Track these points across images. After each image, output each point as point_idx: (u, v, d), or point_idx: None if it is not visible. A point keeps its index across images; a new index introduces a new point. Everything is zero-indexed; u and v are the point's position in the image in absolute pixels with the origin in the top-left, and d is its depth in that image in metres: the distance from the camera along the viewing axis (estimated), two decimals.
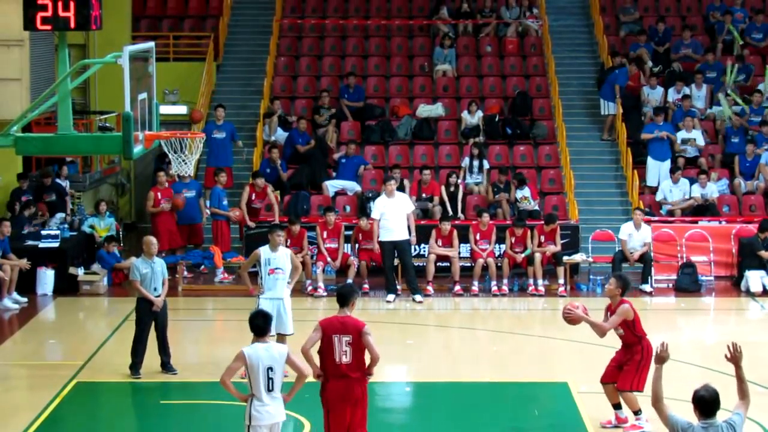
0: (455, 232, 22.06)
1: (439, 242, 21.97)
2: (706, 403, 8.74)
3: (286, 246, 21.64)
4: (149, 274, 15.96)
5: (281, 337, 15.81)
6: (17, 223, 22.28)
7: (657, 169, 24.97)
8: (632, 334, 13.58)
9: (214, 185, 23.60)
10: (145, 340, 16.11)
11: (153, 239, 16.31)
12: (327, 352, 11.29)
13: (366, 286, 21.68)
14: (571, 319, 13.56)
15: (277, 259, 15.62)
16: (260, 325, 11.03)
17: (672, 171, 24.41)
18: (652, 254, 22.32)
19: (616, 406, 13.66)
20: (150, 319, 16.10)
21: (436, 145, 26.68)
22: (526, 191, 23.93)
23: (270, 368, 10.86)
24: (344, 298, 11.49)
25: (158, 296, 16.07)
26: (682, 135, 25.27)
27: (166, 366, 16.16)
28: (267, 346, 10.96)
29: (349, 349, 11.29)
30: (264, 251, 15.67)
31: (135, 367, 16.00)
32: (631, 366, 13.48)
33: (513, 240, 21.95)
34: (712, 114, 26.55)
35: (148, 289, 16.03)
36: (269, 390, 10.90)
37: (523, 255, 21.82)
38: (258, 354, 10.86)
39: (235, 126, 25.70)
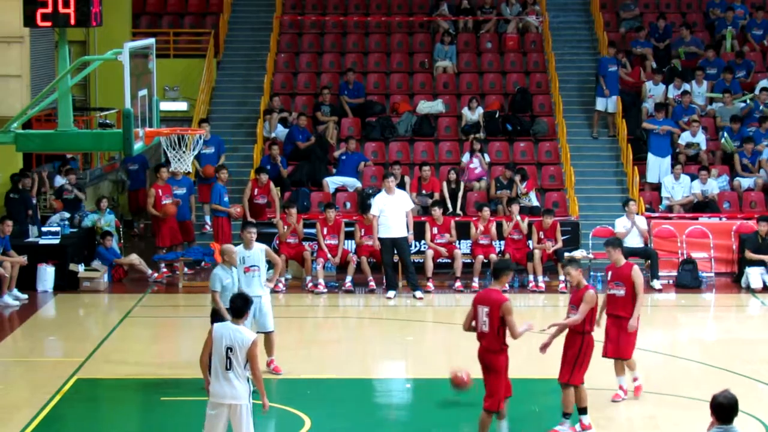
0: (452, 222, 22.12)
1: (435, 230, 22.00)
2: (724, 409, 8.64)
3: (285, 230, 21.83)
4: (231, 285, 15.00)
5: (266, 336, 15.73)
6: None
7: (657, 166, 24.98)
8: (582, 323, 13.43)
9: (216, 182, 23.56)
10: None
11: (233, 248, 15.29)
12: (476, 320, 12.47)
13: (372, 283, 21.65)
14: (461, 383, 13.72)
15: (252, 256, 15.57)
16: (238, 306, 11.22)
17: (673, 166, 24.45)
18: (653, 247, 22.40)
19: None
20: None
21: (437, 142, 26.68)
22: (522, 186, 24.00)
23: (230, 348, 11.00)
24: (496, 272, 12.65)
25: None
26: (686, 138, 25.24)
27: None
28: (236, 328, 11.09)
29: (488, 320, 12.33)
30: (239, 250, 15.56)
31: None
32: (569, 358, 13.39)
33: (511, 225, 22.03)
34: (713, 110, 26.55)
35: (226, 299, 15.27)
36: (227, 368, 11.00)
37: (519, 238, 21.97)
38: (222, 332, 11.07)
39: (223, 140, 25.44)
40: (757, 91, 26.33)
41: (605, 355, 14.54)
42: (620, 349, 14.43)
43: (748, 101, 26.18)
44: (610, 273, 14.61)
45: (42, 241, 22.03)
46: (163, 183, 23.15)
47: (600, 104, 26.83)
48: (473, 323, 12.60)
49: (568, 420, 13.39)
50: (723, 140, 25.31)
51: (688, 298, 21.69)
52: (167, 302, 21.41)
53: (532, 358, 17.32)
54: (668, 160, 24.93)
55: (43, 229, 22.26)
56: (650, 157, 25.10)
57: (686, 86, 26.65)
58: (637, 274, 14.38)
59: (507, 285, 12.67)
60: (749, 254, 22.03)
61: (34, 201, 23.01)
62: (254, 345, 11.07)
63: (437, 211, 22.11)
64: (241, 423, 11.09)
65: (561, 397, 13.57)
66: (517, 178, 24.07)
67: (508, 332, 12.49)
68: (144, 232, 26.10)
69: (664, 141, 25.17)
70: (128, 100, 13.92)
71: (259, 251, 15.64)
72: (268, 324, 15.60)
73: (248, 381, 11.14)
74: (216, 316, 14.39)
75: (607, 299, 14.54)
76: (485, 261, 21.90)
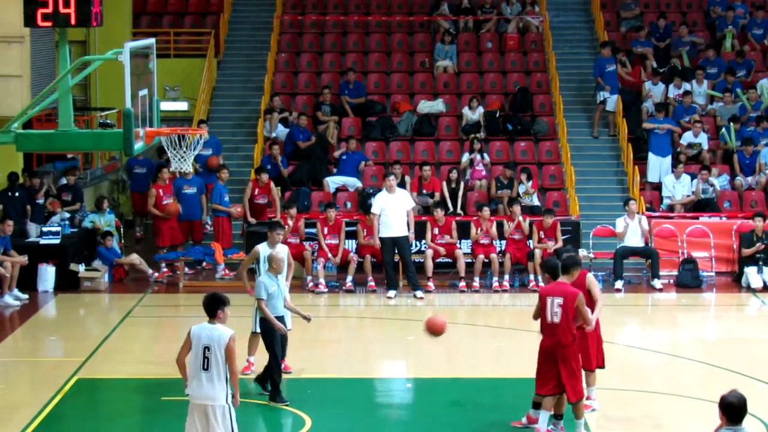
0: (453, 223, 22.13)
1: (436, 230, 22.01)
2: (734, 409, 8.59)
3: (286, 233, 21.82)
4: (276, 292, 14.73)
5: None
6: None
7: (658, 165, 24.99)
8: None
9: (217, 182, 23.54)
10: (280, 363, 14.90)
11: (281, 255, 15.03)
12: (542, 312, 12.84)
13: (372, 283, 21.65)
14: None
15: None
16: (206, 305, 11.22)
17: (674, 165, 24.47)
18: (653, 246, 22.44)
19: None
20: (279, 338, 14.81)
21: (437, 141, 26.68)
22: (528, 185, 24.02)
23: (207, 347, 10.98)
24: (565, 267, 13.05)
25: (282, 316, 14.83)
26: (688, 138, 25.25)
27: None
28: (212, 327, 11.07)
29: (560, 311, 12.72)
30: (263, 249, 15.63)
31: (278, 394, 14.72)
32: None
33: (512, 225, 22.07)
34: (713, 110, 26.55)
35: (274, 307, 14.66)
36: (204, 368, 10.98)
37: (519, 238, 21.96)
38: (200, 332, 11.07)
39: (220, 141, 25.39)
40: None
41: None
42: (583, 360, 13.57)
43: (744, 101, 26.15)
44: None
45: (42, 241, 22.03)
46: (163, 183, 23.12)
47: (609, 104, 26.70)
48: (544, 313, 12.99)
49: (560, 421, 13.36)
50: (724, 136, 25.29)
51: (688, 297, 21.69)
52: (168, 302, 21.41)
53: (533, 357, 17.35)
54: (669, 159, 24.94)
55: (44, 229, 22.26)
56: (651, 156, 25.10)
57: (687, 86, 26.66)
58: (592, 282, 13.85)
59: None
60: (744, 251, 22.06)
61: (41, 201, 23.03)
62: (231, 340, 11.00)
63: (440, 213, 22.10)
64: (217, 424, 10.95)
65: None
66: (524, 177, 24.07)
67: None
68: (144, 234, 25.91)
69: (665, 140, 25.17)
70: (129, 99, 13.91)
71: (283, 252, 15.66)
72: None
73: (227, 382, 11.03)
74: (266, 324, 14.46)
75: None
76: (486, 261, 21.92)
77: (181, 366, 11.24)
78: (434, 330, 13.97)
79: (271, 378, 14.74)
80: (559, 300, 12.76)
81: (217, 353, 10.94)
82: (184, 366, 11.20)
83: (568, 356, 12.83)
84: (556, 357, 12.83)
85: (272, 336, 14.60)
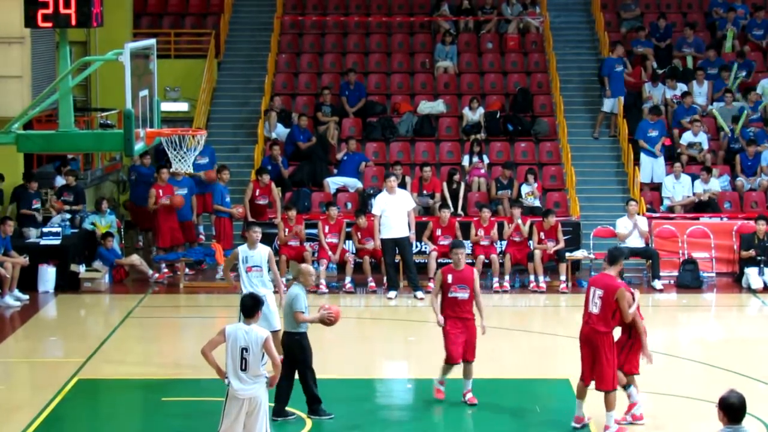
0: (457, 223, 22.14)
1: (439, 231, 22.00)
2: (735, 409, 8.58)
3: (286, 233, 21.84)
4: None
5: (272, 334, 15.70)
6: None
7: (650, 166, 25.02)
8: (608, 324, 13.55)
9: (218, 183, 23.51)
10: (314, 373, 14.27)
11: (312, 269, 14.58)
12: (586, 300, 13.24)
13: (372, 283, 21.64)
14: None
15: (254, 256, 15.62)
16: (247, 305, 11.42)
17: (672, 166, 24.46)
18: (654, 247, 22.45)
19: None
20: (310, 353, 14.23)
21: (437, 142, 26.69)
22: (533, 186, 24.04)
23: (245, 349, 11.19)
24: (612, 258, 13.35)
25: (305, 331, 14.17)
26: (688, 138, 25.27)
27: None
28: (249, 329, 11.26)
29: (599, 303, 13.07)
30: (242, 250, 15.69)
31: (321, 408, 14.24)
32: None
33: (511, 227, 22.07)
34: (713, 111, 26.54)
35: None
36: (243, 369, 11.22)
37: (520, 240, 21.96)
38: (236, 334, 11.24)
39: (214, 149, 25.06)
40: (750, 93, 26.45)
41: (454, 361, 14.39)
42: (468, 351, 14.51)
43: (745, 108, 26.12)
44: (450, 276, 14.41)
45: (43, 242, 22.03)
46: (163, 183, 23.10)
47: (606, 105, 26.75)
48: (586, 302, 13.26)
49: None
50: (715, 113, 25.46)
51: (689, 298, 21.70)
52: (168, 303, 21.42)
53: (533, 358, 17.37)
54: (661, 160, 24.96)
55: (44, 229, 22.26)
56: (643, 157, 25.12)
57: (682, 86, 26.69)
58: (477, 277, 14.71)
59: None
60: (743, 253, 22.07)
61: (38, 206, 23.00)
62: (269, 340, 11.24)
63: (445, 214, 22.07)
64: (257, 418, 11.28)
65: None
66: (530, 177, 24.07)
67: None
68: (144, 245, 25.57)
69: (657, 142, 25.15)
70: (129, 100, 13.94)
71: (263, 252, 15.67)
72: (274, 323, 15.53)
73: (265, 379, 11.32)
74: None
75: (448, 302, 14.47)
76: (486, 261, 21.92)
77: (207, 357, 11.42)
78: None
79: (310, 391, 14.13)
80: (600, 292, 13.10)
81: (256, 353, 11.20)
82: (210, 357, 11.40)
83: (604, 343, 13.07)
84: (593, 344, 13.13)
85: (306, 351, 14.05)
